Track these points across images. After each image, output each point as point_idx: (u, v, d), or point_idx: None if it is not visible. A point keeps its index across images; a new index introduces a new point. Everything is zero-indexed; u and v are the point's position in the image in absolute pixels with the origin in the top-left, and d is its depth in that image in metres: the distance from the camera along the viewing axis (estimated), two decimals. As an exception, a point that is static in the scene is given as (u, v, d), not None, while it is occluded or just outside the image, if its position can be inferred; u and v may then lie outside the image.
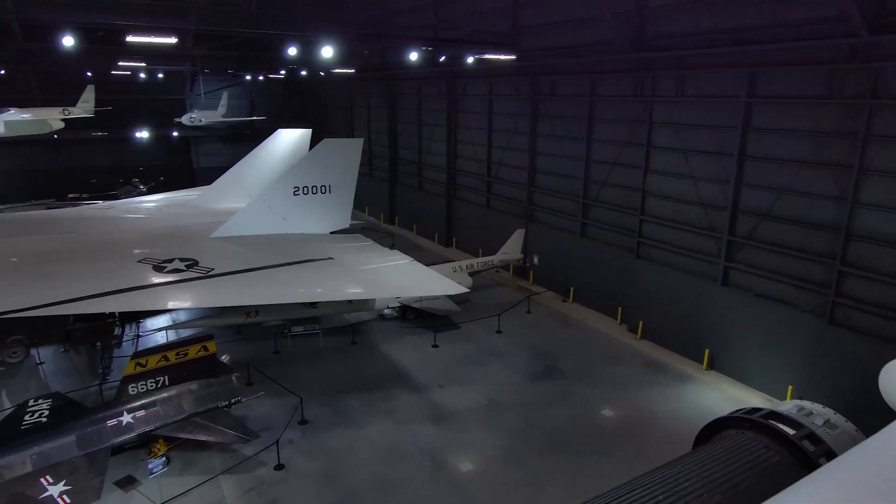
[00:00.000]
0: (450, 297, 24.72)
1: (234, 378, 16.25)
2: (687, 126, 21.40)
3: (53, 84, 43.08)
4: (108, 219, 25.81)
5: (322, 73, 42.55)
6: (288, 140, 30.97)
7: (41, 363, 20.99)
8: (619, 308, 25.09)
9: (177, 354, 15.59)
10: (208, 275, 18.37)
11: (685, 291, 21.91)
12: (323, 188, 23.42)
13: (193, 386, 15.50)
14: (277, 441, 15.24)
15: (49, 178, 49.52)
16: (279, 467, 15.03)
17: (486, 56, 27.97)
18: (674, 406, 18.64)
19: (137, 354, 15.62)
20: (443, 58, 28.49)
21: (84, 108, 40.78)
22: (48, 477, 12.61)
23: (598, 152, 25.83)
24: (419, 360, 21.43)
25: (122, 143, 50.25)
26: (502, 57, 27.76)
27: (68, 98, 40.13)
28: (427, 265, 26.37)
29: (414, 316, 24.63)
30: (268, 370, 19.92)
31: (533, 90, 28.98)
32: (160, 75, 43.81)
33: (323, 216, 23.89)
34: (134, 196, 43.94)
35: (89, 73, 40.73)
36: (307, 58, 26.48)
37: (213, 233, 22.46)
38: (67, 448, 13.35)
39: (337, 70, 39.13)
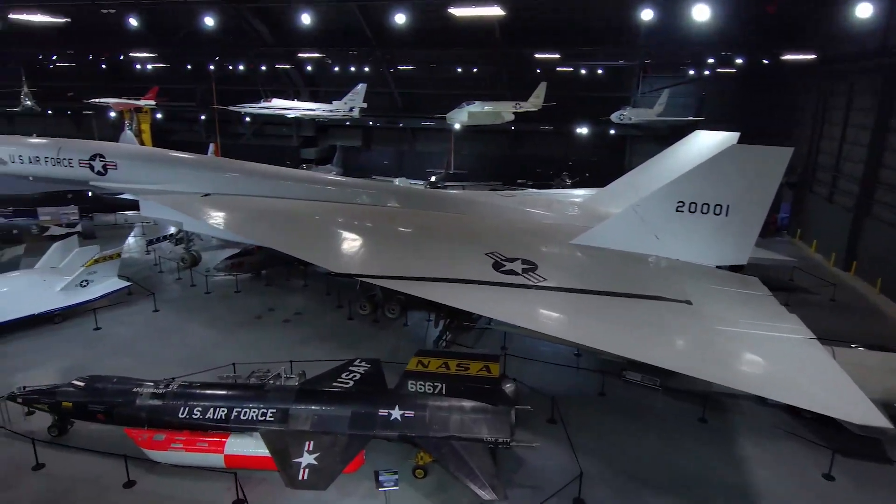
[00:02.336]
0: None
1: (511, 413, 13.67)
2: None
3: (512, 80, 48.53)
4: (499, 206, 26.75)
5: (765, 62, 33.78)
6: (705, 144, 25.58)
7: (406, 325, 23.34)
8: None
9: (458, 366, 14.08)
10: (537, 285, 16.29)
11: None
12: (718, 208, 17.87)
13: (466, 405, 13.72)
14: (522, 516, 12.02)
15: (505, 163, 57.13)
16: (517, 548, 11.87)
17: None
18: None
19: (421, 353, 14.84)
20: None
21: (533, 102, 44.52)
22: (311, 443, 13.04)
23: None
24: (789, 488, 13.99)
25: (564, 137, 53.29)
26: None
27: (522, 94, 44.49)
28: (852, 346, 17.39)
29: (813, 415, 16.49)
30: (576, 413, 16.63)
31: None
32: (600, 71, 43.60)
33: (711, 244, 18.38)
34: (560, 188, 46.08)
35: (539, 71, 43.92)
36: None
37: (575, 238, 20.20)
38: (340, 422, 13.60)
39: (788, 56, 30.12)
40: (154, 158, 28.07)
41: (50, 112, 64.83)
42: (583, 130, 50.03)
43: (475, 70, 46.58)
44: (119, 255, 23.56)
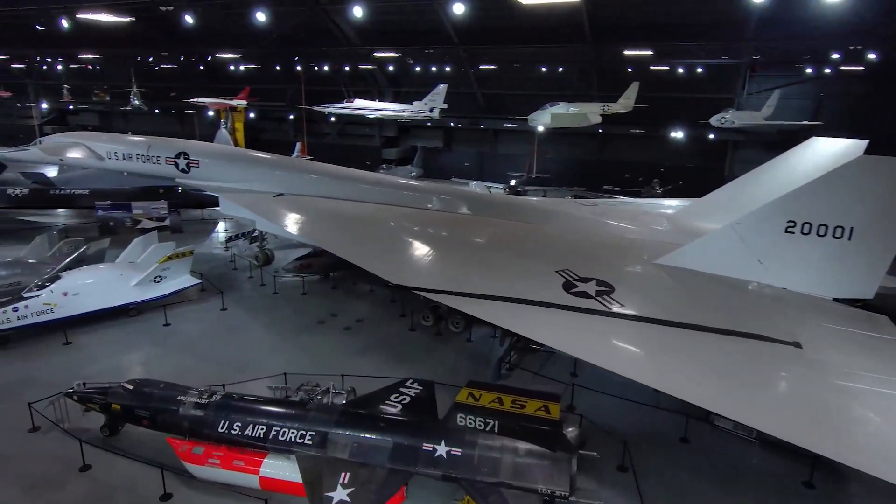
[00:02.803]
0: None
1: (572, 461, 11.88)
2: None
3: (602, 80, 45.58)
4: (577, 217, 24.67)
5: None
6: (824, 154, 22.15)
7: (470, 340, 21.95)
8: None
9: (513, 402, 12.46)
10: (610, 312, 14.33)
11: None
12: (838, 230, 15.02)
13: (520, 447, 12.09)
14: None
15: (591, 168, 54.22)
16: None
17: None
18: None
19: (472, 384, 13.33)
20: None
21: (623, 104, 41.50)
22: (347, 475, 11.97)
23: None
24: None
25: (657, 141, 49.59)
26: None
27: (611, 94, 41.60)
28: None
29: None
30: (652, 461, 14.51)
31: None
32: (699, 70, 39.79)
33: (828, 272, 15.53)
34: (650, 196, 42.77)
35: (630, 70, 40.87)
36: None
37: (661, 257, 17.91)
38: (380, 453, 12.43)
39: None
40: (233, 157, 28.56)
41: (157, 111, 69.55)
42: (678, 134, 46.15)
43: (561, 69, 44.23)
44: (192, 252, 23.91)
